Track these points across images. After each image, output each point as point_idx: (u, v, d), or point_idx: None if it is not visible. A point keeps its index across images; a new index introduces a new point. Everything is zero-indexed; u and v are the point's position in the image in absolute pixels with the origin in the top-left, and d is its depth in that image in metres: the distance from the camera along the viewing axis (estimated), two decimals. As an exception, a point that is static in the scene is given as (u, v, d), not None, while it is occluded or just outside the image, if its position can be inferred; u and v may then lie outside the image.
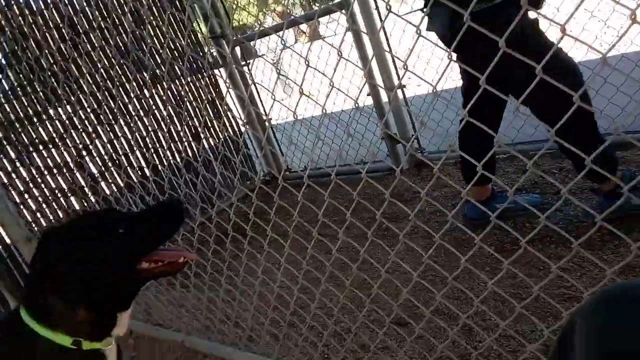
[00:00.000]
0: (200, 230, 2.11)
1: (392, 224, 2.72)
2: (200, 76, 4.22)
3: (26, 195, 3.13)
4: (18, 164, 3.16)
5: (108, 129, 3.62)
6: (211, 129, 4.21)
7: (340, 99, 2.15)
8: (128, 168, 3.60)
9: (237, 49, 4.08)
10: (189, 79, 4.13)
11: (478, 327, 1.72)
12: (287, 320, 2.05)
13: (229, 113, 4.34)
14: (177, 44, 4.02)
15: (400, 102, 3.48)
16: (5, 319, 1.28)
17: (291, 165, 4.34)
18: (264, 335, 2.10)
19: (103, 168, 3.49)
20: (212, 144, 4.19)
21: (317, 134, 1.83)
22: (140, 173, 3.65)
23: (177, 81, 4.02)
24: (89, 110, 3.53)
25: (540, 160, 2.92)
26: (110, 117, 3.62)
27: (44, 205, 3.16)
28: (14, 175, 3.12)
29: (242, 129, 4.32)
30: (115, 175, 3.53)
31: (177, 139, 3.99)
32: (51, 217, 3.16)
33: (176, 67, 3.94)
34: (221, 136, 4.26)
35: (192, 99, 4.13)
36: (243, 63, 4.19)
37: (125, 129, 3.69)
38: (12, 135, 3.18)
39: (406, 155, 3.51)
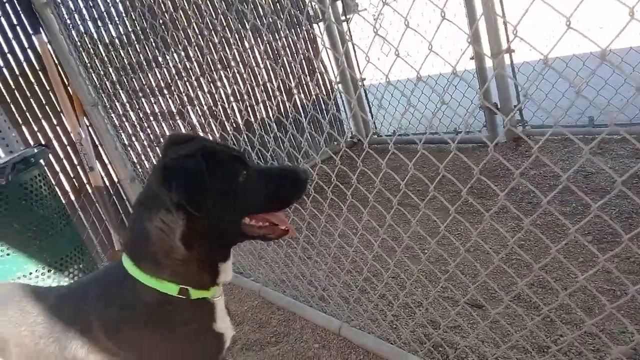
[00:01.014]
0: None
1: (478, 200, 2.60)
2: (298, 31, 4.21)
3: (133, 138, 3.39)
4: (128, 108, 3.42)
5: (209, 80, 3.77)
6: (304, 86, 4.22)
7: (440, 62, 2.03)
8: (224, 120, 3.75)
9: (338, 3, 4.00)
10: (287, 33, 4.14)
11: (560, 321, 1.61)
12: (359, 285, 2.06)
13: (323, 71, 4.32)
14: (278, -3, 4.03)
15: (506, 69, 3.21)
16: (106, 268, 1.28)
17: (379, 129, 4.25)
18: (335, 296, 2.14)
19: (202, 118, 3.68)
20: (303, 102, 4.21)
21: (409, 99, 1.75)
22: (234, 126, 3.79)
23: (275, 35, 4.05)
24: (193, 60, 3.68)
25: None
26: (212, 69, 3.76)
27: (148, 149, 3.42)
28: (124, 119, 3.39)
29: (334, 88, 4.29)
30: (212, 126, 3.70)
31: (270, 94, 4.06)
32: (153, 161, 3.41)
33: (276, 20, 3.96)
34: (312, 95, 4.27)
35: (288, 54, 4.15)
36: (342, 19, 4.10)
37: (225, 81, 3.83)
38: (125, 80, 3.43)
39: (505, 128, 3.28)
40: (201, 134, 3.55)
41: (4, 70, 2.98)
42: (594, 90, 2.82)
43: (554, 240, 2.13)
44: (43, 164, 2.38)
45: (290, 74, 4.14)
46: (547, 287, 1.94)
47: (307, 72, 4.25)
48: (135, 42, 3.43)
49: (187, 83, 3.64)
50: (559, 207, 2.39)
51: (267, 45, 3.98)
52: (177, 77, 3.56)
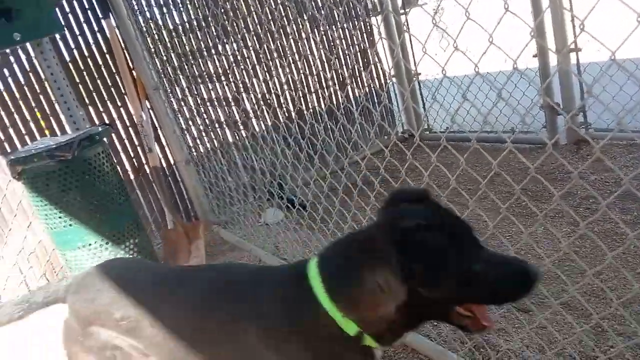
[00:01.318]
0: (332, 177, 2.17)
1: (533, 202, 2.50)
2: (355, 23, 4.19)
3: (190, 123, 3.51)
4: (187, 93, 3.54)
5: (265, 69, 3.83)
6: (357, 78, 4.21)
7: (500, 58, 1.96)
8: (277, 108, 3.81)
9: (398, -4, 3.94)
10: (344, 25, 4.14)
11: (612, 331, 1.54)
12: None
13: (377, 63, 4.28)
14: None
15: (571, 67, 3.06)
16: (281, 276, 1.17)
17: (432, 124, 4.17)
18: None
19: (255, 106, 3.75)
20: (356, 93, 4.20)
21: (465, 94, 1.71)
22: (286, 115, 3.85)
23: (333, 27, 4.06)
24: (251, 48, 3.76)
25: None
26: (268, 57, 3.82)
27: (203, 134, 3.53)
28: (182, 103, 3.51)
29: (388, 81, 4.24)
30: (265, 113, 3.77)
31: (324, 85, 4.08)
32: (208, 146, 3.53)
33: (334, 11, 3.96)
34: (366, 87, 4.25)
35: (344, 45, 4.15)
36: (402, 12, 4.05)
37: (280, 70, 3.88)
38: (186, 66, 3.55)
39: (565, 126, 3.13)
40: (254, 120, 3.62)
41: (75, 51, 3.16)
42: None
43: (611, 248, 2.03)
44: (106, 142, 2.52)
45: (344, 65, 4.14)
46: (600, 296, 1.85)
47: (361, 64, 4.23)
48: (197, 30, 3.53)
49: (243, 70, 3.71)
50: (619, 215, 2.27)
51: (324, 35, 3.99)
52: (234, 65, 3.65)
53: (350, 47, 4.19)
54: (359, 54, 4.25)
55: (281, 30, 3.88)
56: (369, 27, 4.29)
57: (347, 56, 4.16)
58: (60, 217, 2.27)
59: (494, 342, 1.77)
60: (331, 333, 0.99)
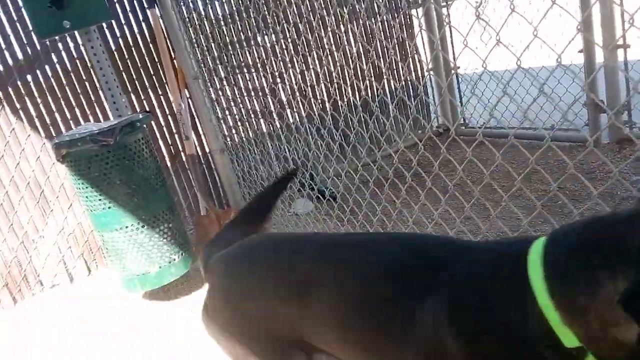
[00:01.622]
0: (364, 170, 2.17)
1: (571, 201, 2.42)
2: (395, 14, 4.15)
3: (227, 112, 3.57)
4: (225, 83, 3.60)
5: (302, 60, 3.85)
6: (394, 70, 4.16)
7: (545, 53, 1.90)
8: (312, 99, 3.82)
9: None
10: (384, 17, 4.10)
11: None
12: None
13: (415, 56, 4.22)
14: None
15: (618, 64, 2.93)
16: (497, 254, 0.88)
17: (469, 119, 4.09)
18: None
19: (291, 96, 3.77)
20: (392, 86, 4.16)
21: (505, 88, 1.68)
22: (321, 106, 3.85)
23: (372, 19, 4.02)
24: (289, 39, 3.78)
25: None
26: (306, 49, 3.83)
27: (238, 123, 3.59)
28: (220, 93, 3.57)
29: (426, 74, 4.18)
30: (300, 104, 3.79)
31: (360, 76, 4.06)
32: (242, 135, 3.58)
33: (375, 3, 3.93)
34: (402, 80, 4.20)
35: (382, 37, 4.11)
36: (443, 3, 3.97)
37: (317, 61, 3.89)
38: (225, 56, 3.60)
39: (608, 122, 3.00)
40: (289, 111, 3.65)
41: (120, 40, 3.26)
42: None
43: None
44: (146, 129, 2.60)
45: (382, 57, 4.10)
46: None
47: (399, 56, 4.18)
48: (238, 20, 3.58)
49: (280, 61, 3.74)
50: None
51: (362, 26, 3.97)
52: (272, 55, 3.68)
53: (389, 39, 4.15)
54: (397, 46, 4.21)
55: (320, 22, 3.88)
56: (409, 19, 4.23)
57: (386, 48, 4.12)
58: (100, 200, 2.36)
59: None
60: (540, 338, 0.77)
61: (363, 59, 4.05)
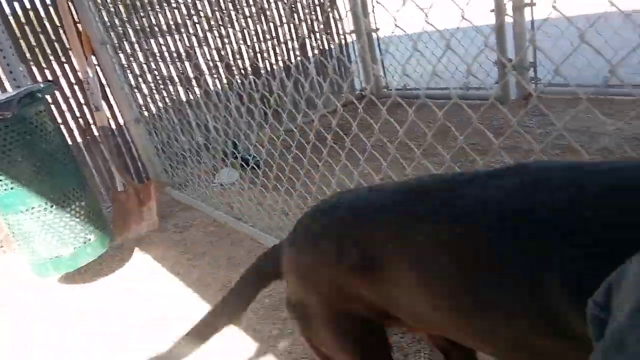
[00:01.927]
0: (287, 135, 2.15)
1: (480, 156, 2.56)
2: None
3: (140, 79, 3.37)
4: (137, 48, 3.37)
5: (220, 24, 3.69)
6: (315, 33, 4.12)
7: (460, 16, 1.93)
8: (231, 64, 3.69)
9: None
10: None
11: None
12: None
13: (337, 22, 4.19)
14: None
15: (525, 24, 3.09)
16: None
17: (390, 82, 4.16)
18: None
19: (211, 62, 3.62)
20: (314, 49, 4.12)
21: (415, 45, 1.71)
22: (242, 72, 3.74)
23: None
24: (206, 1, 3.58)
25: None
26: (222, 9, 3.67)
27: (154, 91, 3.40)
28: (131, 59, 3.35)
29: (346, 36, 4.17)
30: (220, 70, 3.65)
31: (282, 41, 3.97)
32: (159, 104, 3.40)
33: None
34: (325, 45, 4.17)
35: (305, 3, 4.02)
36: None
37: (235, 23, 3.74)
38: (135, 19, 3.35)
39: (503, 81, 3.18)
40: (208, 77, 3.51)
41: (15, 3, 2.94)
42: (613, 50, 2.72)
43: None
44: (49, 100, 2.39)
45: (304, 22, 4.03)
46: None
47: (319, 19, 4.13)
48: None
49: (196, 24, 3.56)
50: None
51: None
52: (187, 17, 3.49)
53: (311, 2, 4.07)
54: (319, 9, 4.14)
55: (236, -18, 3.72)
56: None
57: (305, 12, 4.04)
58: (0, 180, 2.16)
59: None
60: None
61: (283, 21, 3.96)
